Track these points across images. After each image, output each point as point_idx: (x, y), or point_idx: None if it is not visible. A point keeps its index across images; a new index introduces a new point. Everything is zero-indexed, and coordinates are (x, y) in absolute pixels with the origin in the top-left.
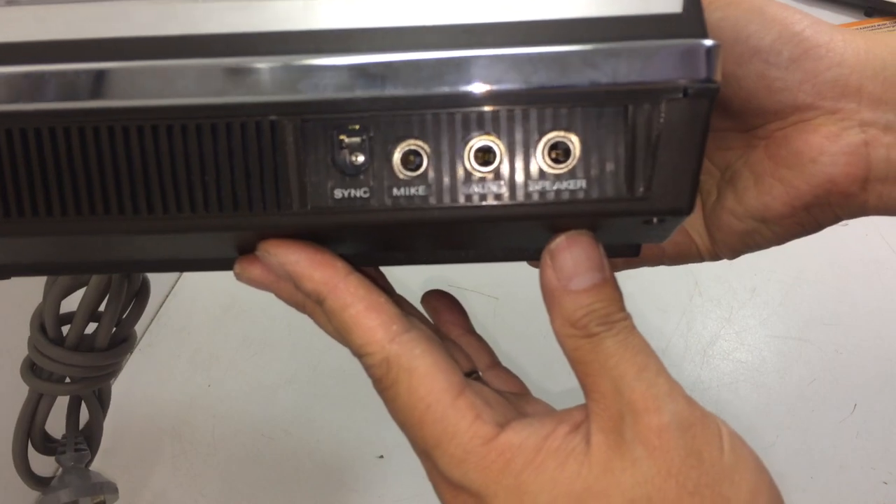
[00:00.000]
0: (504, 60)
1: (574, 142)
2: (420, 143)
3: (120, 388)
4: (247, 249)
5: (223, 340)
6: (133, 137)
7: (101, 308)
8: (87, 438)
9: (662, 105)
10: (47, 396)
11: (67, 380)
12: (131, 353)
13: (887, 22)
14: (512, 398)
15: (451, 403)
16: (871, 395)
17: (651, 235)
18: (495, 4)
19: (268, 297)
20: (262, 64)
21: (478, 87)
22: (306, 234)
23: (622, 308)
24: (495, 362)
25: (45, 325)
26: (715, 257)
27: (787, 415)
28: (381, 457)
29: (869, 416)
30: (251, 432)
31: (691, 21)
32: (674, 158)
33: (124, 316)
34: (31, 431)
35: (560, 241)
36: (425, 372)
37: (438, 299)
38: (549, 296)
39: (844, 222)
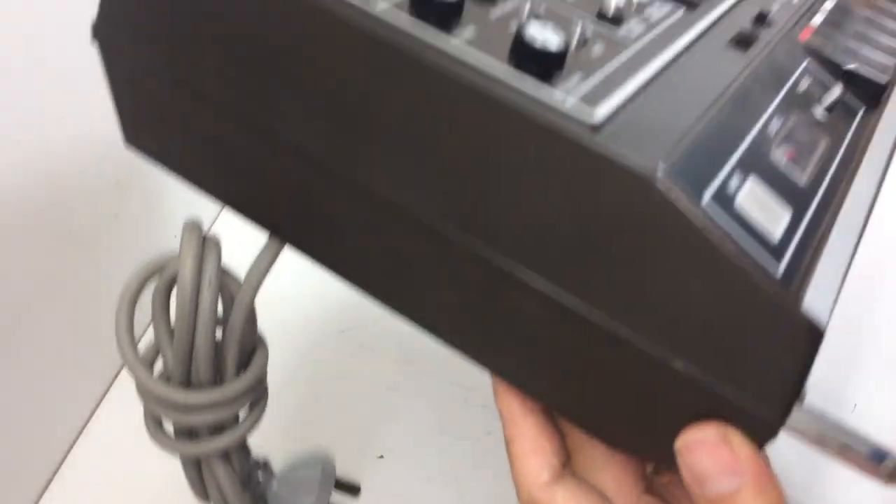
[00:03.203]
0: None
1: None
2: None
3: (120, 388)
4: None
5: None
6: None
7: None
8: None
9: None
10: (221, 458)
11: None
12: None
13: None
14: None
15: None
16: (871, 395)
17: None
18: None
19: (266, 297)
20: None
21: None
22: None
23: None
24: None
25: (200, 368)
26: None
27: None
28: (382, 457)
29: (869, 416)
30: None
31: None
32: None
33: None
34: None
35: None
36: None
37: None
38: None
39: None
